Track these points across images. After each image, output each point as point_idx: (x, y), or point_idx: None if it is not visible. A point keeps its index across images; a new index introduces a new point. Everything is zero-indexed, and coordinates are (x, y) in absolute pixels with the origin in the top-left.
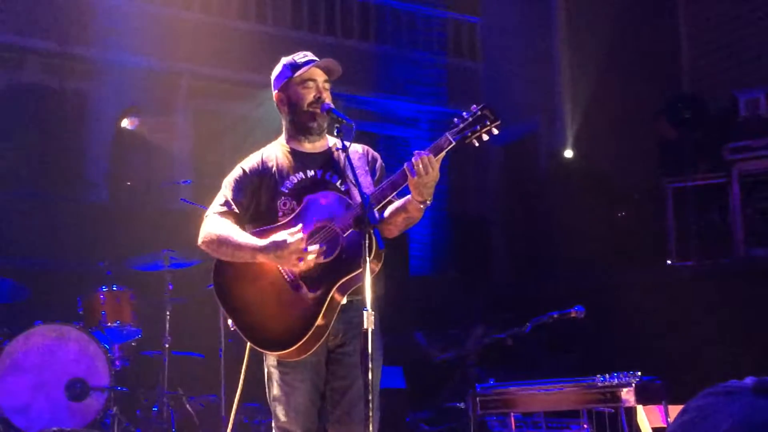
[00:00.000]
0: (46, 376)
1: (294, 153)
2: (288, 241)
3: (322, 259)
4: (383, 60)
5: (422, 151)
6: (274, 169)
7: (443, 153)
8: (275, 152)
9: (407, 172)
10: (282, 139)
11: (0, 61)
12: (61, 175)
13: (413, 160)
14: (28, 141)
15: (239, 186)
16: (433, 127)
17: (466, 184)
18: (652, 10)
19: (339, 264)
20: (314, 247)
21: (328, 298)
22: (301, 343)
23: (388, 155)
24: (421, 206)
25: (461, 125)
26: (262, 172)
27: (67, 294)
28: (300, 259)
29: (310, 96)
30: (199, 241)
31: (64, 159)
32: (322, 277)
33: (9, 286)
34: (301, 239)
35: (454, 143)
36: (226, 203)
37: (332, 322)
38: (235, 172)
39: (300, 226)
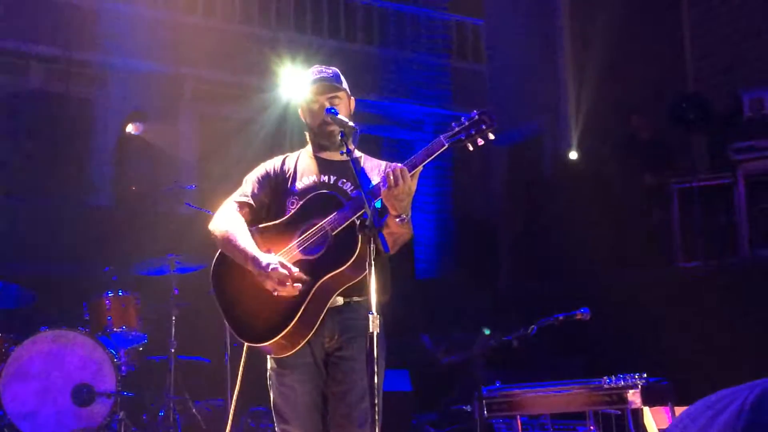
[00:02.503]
0: (52, 381)
1: (316, 159)
2: (273, 268)
3: (302, 257)
4: (387, 63)
5: (398, 164)
6: (292, 170)
7: (430, 159)
8: (298, 156)
9: (380, 184)
10: (309, 146)
11: (5, 67)
12: (66, 181)
13: (386, 170)
14: (33, 146)
15: (259, 182)
16: (437, 130)
17: (471, 186)
18: (655, 11)
19: (324, 262)
20: (293, 288)
21: (311, 294)
22: (282, 334)
23: (392, 158)
24: (397, 220)
25: (456, 129)
26: (281, 172)
27: (72, 299)
28: (275, 290)
29: (317, 118)
30: (210, 225)
31: (70, 164)
32: (307, 274)
33: (15, 291)
34: (285, 275)
35: (446, 145)
36: (245, 194)
37: (320, 319)
38: (258, 170)
39: (296, 271)
